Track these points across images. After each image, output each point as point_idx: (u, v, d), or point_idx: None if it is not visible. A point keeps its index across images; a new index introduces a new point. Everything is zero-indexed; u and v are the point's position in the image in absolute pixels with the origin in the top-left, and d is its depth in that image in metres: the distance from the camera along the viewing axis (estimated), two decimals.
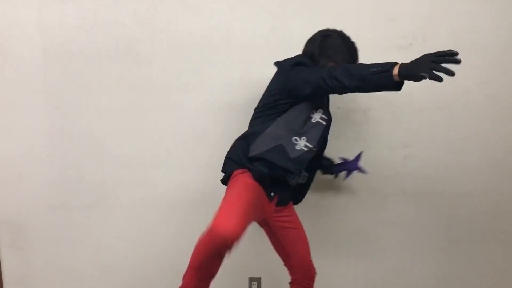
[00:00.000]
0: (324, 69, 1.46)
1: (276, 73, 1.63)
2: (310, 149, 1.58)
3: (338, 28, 1.96)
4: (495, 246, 2.20)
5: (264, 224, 1.76)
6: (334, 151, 2.07)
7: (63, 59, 1.94)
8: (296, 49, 1.96)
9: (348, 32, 1.97)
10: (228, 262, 2.12)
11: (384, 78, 1.33)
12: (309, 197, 2.10)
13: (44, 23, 1.90)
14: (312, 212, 2.13)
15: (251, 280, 2.19)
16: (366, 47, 1.98)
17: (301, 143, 1.56)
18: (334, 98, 2.03)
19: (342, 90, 1.45)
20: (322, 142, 1.68)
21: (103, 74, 1.96)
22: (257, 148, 1.57)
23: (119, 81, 1.97)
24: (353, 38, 1.99)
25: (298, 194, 1.77)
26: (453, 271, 2.22)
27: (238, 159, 1.61)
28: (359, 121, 2.06)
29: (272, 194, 1.61)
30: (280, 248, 1.75)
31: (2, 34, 1.91)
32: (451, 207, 2.16)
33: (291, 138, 1.56)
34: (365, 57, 1.98)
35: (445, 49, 1.95)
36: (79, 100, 1.98)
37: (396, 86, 1.35)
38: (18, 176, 2.04)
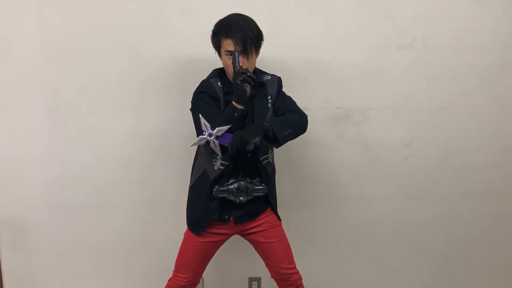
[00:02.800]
0: None
1: None
2: (226, 166, 1.59)
3: (338, 28, 1.96)
4: (495, 246, 2.20)
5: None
6: (334, 151, 2.07)
7: (63, 59, 1.93)
8: (296, 49, 1.97)
9: (348, 32, 1.98)
10: (228, 262, 2.13)
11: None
12: (309, 197, 2.11)
13: (44, 23, 1.90)
14: (311, 212, 2.13)
15: (251, 280, 2.19)
16: (366, 47, 1.98)
17: (218, 163, 1.60)
18: (333, 98, 2.03)
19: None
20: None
21: (103, 74, 1.95)
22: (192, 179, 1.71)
23: (119, 81, 1.96)
24: (353, 38, 1.99)
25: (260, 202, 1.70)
26: (453, 271, 2.22)
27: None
28: (359, 121, 2.06)
29: (226, 217, 1.65)
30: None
31: (2, 34, 1.91)
32: (451, 207, 2.16)
33: (212, 160, 1.61)
34: (365, 57, 2.00)
35: (443, 50, 1.98)
36: (79, 100, 1.98)
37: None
38: (18, 176, 2.04)
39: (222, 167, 1.59)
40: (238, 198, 1.61)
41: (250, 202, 1.64)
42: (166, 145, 2.02)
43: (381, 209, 2.15)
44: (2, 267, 2.13)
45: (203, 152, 1.64)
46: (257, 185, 1.63)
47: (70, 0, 1.89)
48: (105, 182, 2.05)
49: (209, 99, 1.58)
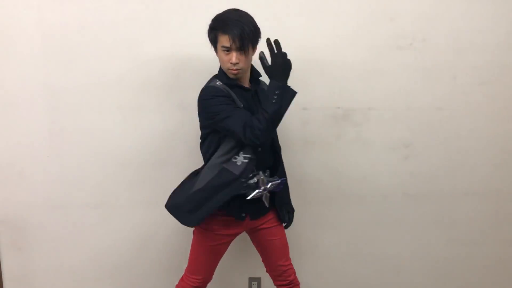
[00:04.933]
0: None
1: None
2: (250, 159, 1.58)
3: (338, 28, 1.97)
4: (495, 246, 2.20)
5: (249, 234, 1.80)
6: (334, 151, 2.07)
7: (63, 59, 1.93)
8: (296, 49, 1.97)
9: (348, 32, 1.98)
10: (228, 262, 2.13)
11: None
12: (309, 197, 2.11)
13: (44, 23, 1.90)
14: (311, 212, 2.13)
15: (251, 280, 2.19)
16: (366, 47, 1.99)
17: (240, 158, 1.58)
18: (333, 98, 2.03)
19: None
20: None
21: (103, 74, 1.96)
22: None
23: (119, 81, 1.96)
24: (353, 38, 1.99)
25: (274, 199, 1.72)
26: (453, 271, 2.22)
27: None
28: (359, 121, 2.06)
29: (243, 215, 1.64)
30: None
31: (2, 33, 1.90)
32: (451, 207, 2.16)
33: (231, 159, 1.59)
34: (365, 57, 2.00)
35: (443, 50, 1.98)
36: (79, 100, 1.98)
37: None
38: (18, 176, 2.04)
39: (246, 161, 1.57)
40: (262, 190, 1.60)
41: (260, 199, 1.63)
42: (166, 144, 2.03)
43: (381, 209, 2.15)
44: (2, 267, 2.13)
45: (219, 154, 1.60)
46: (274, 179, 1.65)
47: (70, 0, 1.89)
48: (105, 182, 2.05)
49: (228, 100, 1.55)
